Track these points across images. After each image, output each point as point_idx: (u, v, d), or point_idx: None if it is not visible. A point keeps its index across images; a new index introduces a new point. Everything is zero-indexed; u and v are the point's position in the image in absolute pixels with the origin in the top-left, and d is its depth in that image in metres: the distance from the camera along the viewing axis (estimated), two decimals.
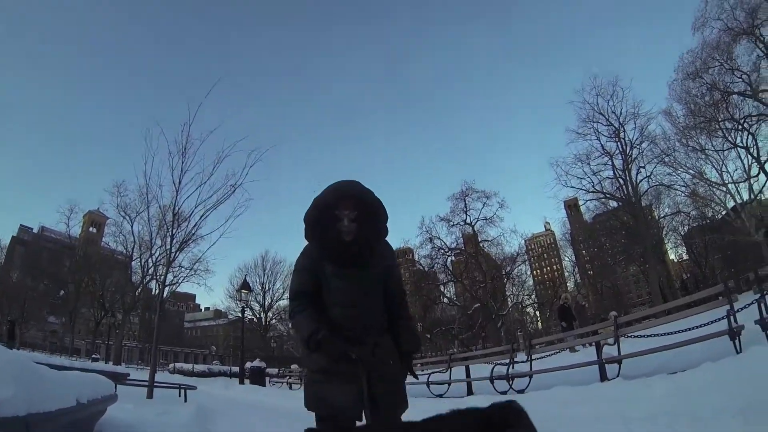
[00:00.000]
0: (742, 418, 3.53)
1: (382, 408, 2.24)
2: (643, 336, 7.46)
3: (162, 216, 13.83)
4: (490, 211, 44.28)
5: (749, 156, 30.24)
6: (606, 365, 7.50)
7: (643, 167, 36.19)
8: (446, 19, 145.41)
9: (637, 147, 36.12)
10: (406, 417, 2.34)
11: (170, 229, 12.34)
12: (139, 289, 40.11)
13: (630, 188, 36.41)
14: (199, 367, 41.21)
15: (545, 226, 74.26)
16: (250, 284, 40.08)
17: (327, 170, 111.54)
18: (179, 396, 11.78)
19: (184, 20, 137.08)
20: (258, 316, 57.24)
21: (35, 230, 67.87)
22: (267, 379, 24.25)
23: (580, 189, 38.82)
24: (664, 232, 43.62)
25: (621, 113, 36.40)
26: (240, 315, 31.32)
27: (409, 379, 2.60)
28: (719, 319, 6.17)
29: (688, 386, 4.66)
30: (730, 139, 30.59)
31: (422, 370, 12.04)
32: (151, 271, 33.15)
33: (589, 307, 42.78)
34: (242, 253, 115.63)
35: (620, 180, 36.93)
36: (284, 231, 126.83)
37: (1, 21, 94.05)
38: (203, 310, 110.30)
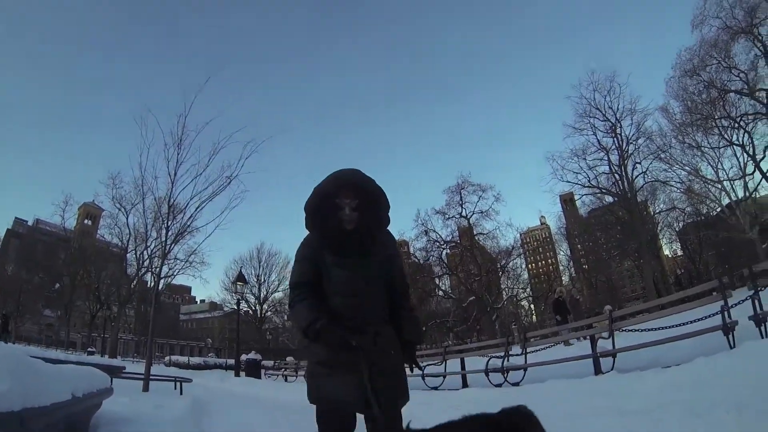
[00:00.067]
0: (736, 412, 3.54)
1: (382, 401, 2.20)
2: (638, 330, 7.49)
3: (157, 208, 13.82)
4: (485, 205, 44.46)
5: (745, 154, 30.43)
6: (600, 359, 7.53)
7: (639, 163, 36.46)
8: (445, 11, 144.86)
9: (634, 143, 36.32)
10: (406, 409, 2.34)
11: (165, 221, 12.27)
12: (135, 282, 40.05)
13: (626, 184, 36.54)
14: (195, 360, 41.38)
15: (541, 220, 74.27)
16: (246, 276, 40.06)
17: (323, 162, 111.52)
18: (175, 389, 11.80)
19: (181, 7, 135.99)
20: (253, 308, 57.22)
21: (30, 223, 67.38)
22: (263, 371, 24.30)
23: (576, 184, 39.04)
24: (659, 228, 43.68)
25: (618, 109, 36.57)
26: (235, 307, 31.31)
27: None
28: (713, 315, 6.19)
29: (681, 380, 4.68)
30: (726, 136, 30.72)
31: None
32: (146, 264, 33.20)
33: (584, 301, 43.09)
34: (238, 245, 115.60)
35: (616, 175, 37.08)
36: (280, 223, 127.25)
37: None
38: (199, 302, 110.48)
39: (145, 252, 32.82)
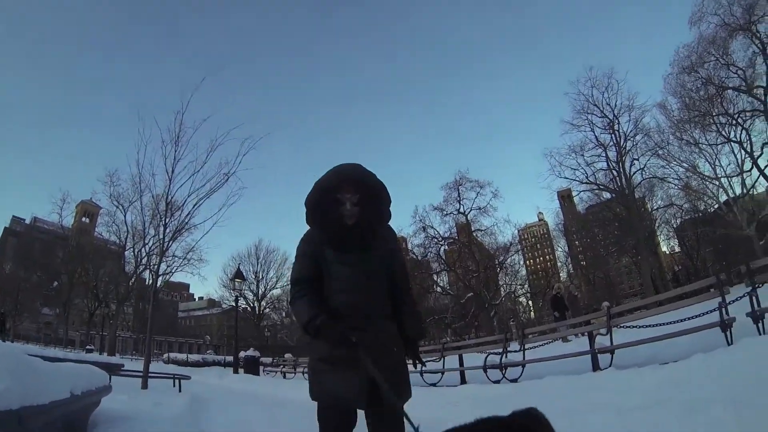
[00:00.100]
0: (733, 408, 3.55)
1: (384, 398, 2.18)
2: (635, 327, 7.49)
3: (155, 205, 13.81)
4: (483, 201, 44.50)
5: (742, 151, 30.46)
6: (598, 355, 7.55)
7: (637, 159, 36.60)
8: (443, 7, 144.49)
9: (631, 139, 36.47)
10: (408, 406, 2.33)
11: (163, 219, 12.31)
12: (133, 279, 40.01)
13: (623, 180, 36.64)
14: (194, 357, 41.38)
15: (538, 217, 74.64)
16: (244, 273, 40.08)
17: (321, 158, 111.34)
18: (173, 386, 11.81)
19: (179, 6, 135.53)
20: (252, 305, 57.37)
21: (27, 221, 67.23)
22: (261, 368, 24.28)
23: (574, 180, 39.15)
24: (657, 224, 43.79)
25: (616, 105, 36.70)
26: (234, 304, 31.29)
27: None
28: (711, 311, 6.20)
29: (679, 377, 4.69)
30: (723, 133, 30.76)
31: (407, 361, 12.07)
32: (144, 261, 33.08)
33: (582, 298, 43.07)
34: (236, 242, 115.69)
35: (614, 172, 37.20)
36: (278, 219, 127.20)
37: None
38: (197, 299, 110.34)
39: (143, 249, 32.67)
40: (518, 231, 55.99)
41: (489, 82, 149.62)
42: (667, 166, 34.34)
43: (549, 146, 49.58)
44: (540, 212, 73.78)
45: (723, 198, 32.48)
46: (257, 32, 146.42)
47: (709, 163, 31.75)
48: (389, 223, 2.58)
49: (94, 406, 4.21)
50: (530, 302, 64.18)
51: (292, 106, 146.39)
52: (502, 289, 50.57)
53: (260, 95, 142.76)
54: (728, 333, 5.85)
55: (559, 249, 67.43)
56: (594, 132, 37.61)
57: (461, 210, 45.06)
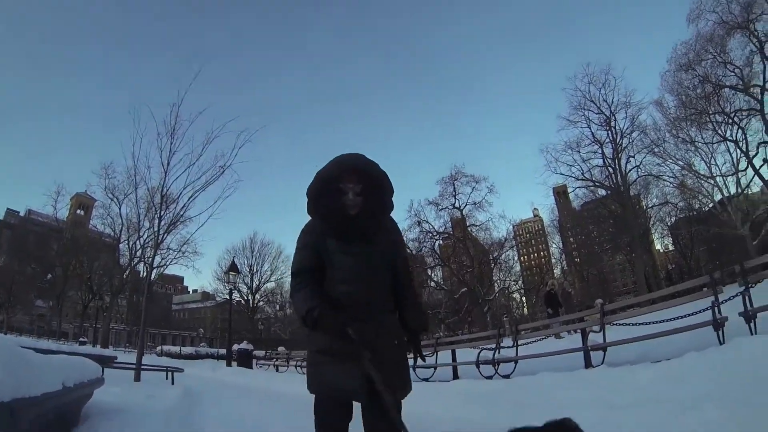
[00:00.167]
0: (725, 406, 3.57)
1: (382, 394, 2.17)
2: (628, 324, 7.51)
3: (150, 198, 13.79)
4: (479, 196, 44.66)
5: (738, 150, 30.66)
6: (591, 352, 7.55)
7: (633, 157, 36.82)
8: (442, 1, 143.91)
9: (628, 136, 36.70)
10: (406, 400, 2.32)
11: (158, 211, 12.29)
12: (127, 272, 40.00)
13: (619, 177, 36.80)
14: (187, 350, 41.34)
15: (533, 213, 74.67)
16: (238, 266, 40.04)
17: (316, 151, 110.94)
18: (166, 379, 11.83)
19: None
20: (246, 298, 57.39)
21: (22, 213, 66.83)
22: (254, 361, 24.32)
23: (570, 176, 39.40)
24: (651, 222, 43.93)
25: (612, 102, 36.94)
26: (228, 297, 31.27)
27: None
28: (704, 310, 6.23)
29: (671, 374, 4.71)
30: (720, 132, 30.96)
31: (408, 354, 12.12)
32: (139, 254, 33.11)
33: (575, 295, 43.38)
34: (231, 235, 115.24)
35: (609, 168, 37.39)
36: (273, 213, 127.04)
37: None
38: (191, 292, 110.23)
39: (137, 242, 32.76)
40: (513, 227, 56.09)
41: (486, 77, 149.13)
42: (663, 164, 34.65)
43: (545, 142, 49.57)
44: (535, 208, 73.90)
45: (718, 197, 32.74)
46: (253, 25, 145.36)
47: (704, 161, 32.08)
48: (391, 215, 2.55)
49: (86, 398, 4.20)
50: (524, 298, 64.44)
51: (288, 99, 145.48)
52: (495, 284, 50.74)
53: (256, 88, 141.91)
54: (720, 332, 5.87)
55: (554, 245, 67.80)
56: (590, 128, 37.91)
57: (456, 205, 45.35)
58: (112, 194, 37.18)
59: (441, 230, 46.89)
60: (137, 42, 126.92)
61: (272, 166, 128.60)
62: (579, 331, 8.57)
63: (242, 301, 56.74)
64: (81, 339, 40.97)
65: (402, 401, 2.33)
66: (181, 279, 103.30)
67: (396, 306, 2.49)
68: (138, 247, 32.68)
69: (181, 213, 12.56)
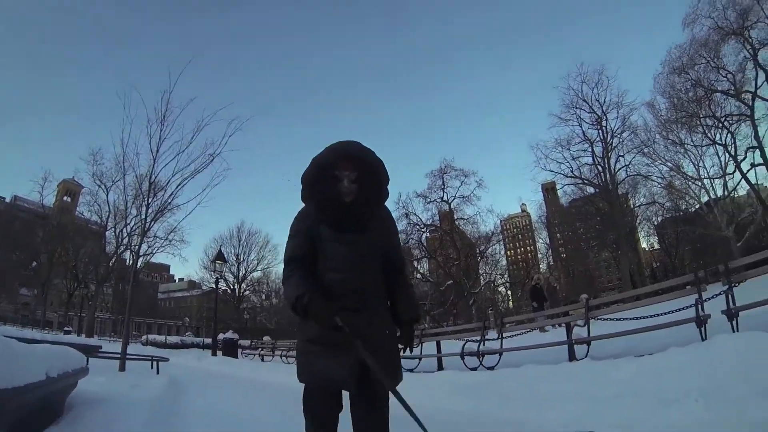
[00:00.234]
0: (705, 401, 3.64)
1: (375, 380, 2.16)
2: (613, 319, 7.59)
3: (138, 185, 13.68)
4: (467, 190, 44.83)
5: (727, 154, 31.04)
6: (575, 346, 7.63)
7: (622, 156, 37.20)
8: None
9: (618, 136, 37.01)
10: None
11: (146, 198, 12.16)
12: (113, 260, 39.64)
13: (608, 176, 37.12)
14: (172, 339, 41.13)
15: (521, 208, 74.98)
16: (225, 255, 39.84)
17: (304, 141, 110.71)
18: (151, 368, 11.76)
19: None
20: (232, 287, 57.26)
21: (8, 200, 65.77)
22: (239, 350, 24.25)
23: (559, 173, 39.68)
24: (638, 221, 44.39)
25: (604, 102, 37.20)
26: (214, 286, 31.15)
27: None
28: (687, 307, 6.31)
29: (654, 369, 4.77)
30: (709, 135, 31.31)
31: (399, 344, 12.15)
32: (125, 241, 32.81)
33: (561, 289, 43.67)
34: (218, 224, 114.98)
35: (599, 167, 37.71)
36: (261, 202, 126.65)
37: None
38: (177, 280, 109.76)
39: (124, 230, 32.47)
40: (500, 221, 56.36)
41: (478, 72, 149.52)
42: (652, 165, 35.02)
43: (536, 138, 49.84)
44: (523, 203, 74.22)
45: (704, 199, 33.17)
46: (244, 15, 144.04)
47: (693, 163, 32.46)
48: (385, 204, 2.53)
49: (70, 388, 4.17)
50: (509, 292, 64.93)
51: (278, 90, 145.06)
52: (481, 277, 51.09)
53: (247, 78, 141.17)
54: (703, 329, 5.96)
55: (541, 241, 68.10)
56: (581, 127, 38.12)
57: (445, 198, 45.47)
58: (100, 181, 36.89)
59: (428, 223, 47.05)
60: (128, 28, 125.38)
61: (261, 156, 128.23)
62: (564, 324, 8.66)
63: (228, 291, 56.59)
64: (66, 328, 40.50)
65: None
66: (167, 267, 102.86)
67: (388, 295, 2.47)
68: (125, 234, 32.42)
69: (169, 201, 12.46)
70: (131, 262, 23.77)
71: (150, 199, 12.10)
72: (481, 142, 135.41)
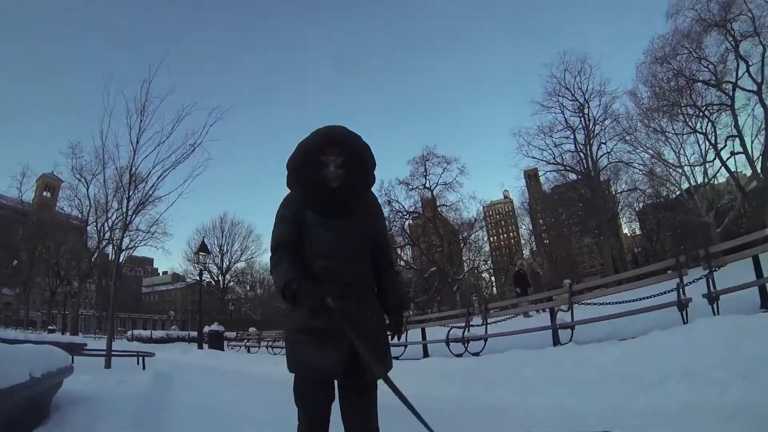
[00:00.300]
0: (686, 382, 3.72)
1: (362, 368, 2.15)
2: (596, 304, 7.67)
3: (119, 178, 13.42)
4: (449, 177, 45.10)
5: (707, 142, 31.58)
6: (559, 330, 7.70)
7: (604, 143, 37.82)
8: None
9: (600, 124, 37.57)
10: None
11: (127, 191, 11.96)
12: (96, 255, 39.10)
13: (590, 163, 37.56)
14: (158, 333, 41.01)
15: (504, 194, 75.34)
16: (208, 246, 39.55)
17: (285, 130, 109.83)
18: (137, 364, 11.67)
19: None
20: (216, 278, 57.19)
21: None
22: (225, 342, 24.15)
23: (541, 160, 40.07)
24: (620, 207, 45.00)
25: (587, 90, 37.73)
26: (198, 278, 30.87)
27: None
28: (669, 291, 6.42)
29: (637, 352, 4.85)
30: (690, 124, 31.80)
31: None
32: (107, 236, 32.42)
33: (544, 275, 44.19)
34: (201, 215, 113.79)
35: (581, 154, 38.16)
36: (244, 190, 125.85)
37: None
38: (161, 274, 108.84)
39: (105, 224, 32.07)
40: (483, 208, 56.66)
41: (459, 58, 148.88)
42: (633, 152, 35.56)
43: (518, 126, 50.07)
44: (506, 190, 74.54)
45: (685, 185, 33.85)
46: (223, 3, 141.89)
47: (674, 151, 32.97)
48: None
49: (56, 388, 4.12)
50: (493, 278, 65.30)
51: (258, 77, 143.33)
52: (465, 264, 51.51)
53: (227, 66, 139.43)
54: (684, 312, 6.07)
55: (523, 227, 68.68)
56: (564, 114, 38.56)
57: (427, 185, 45.74)
58: (80, 174, 36.23)
59: (411, 210, 47.25)
60: (107, 18, 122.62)
61: (242, 145, 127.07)
62: (548, 310, 8.74)
63: (213, 282, 56.46)
64: (50, 327, 40.08)
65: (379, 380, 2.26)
66: (150, 261, 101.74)
67: (375, 281, 2.44)
68: (106, 228, 32.06)
69: (150, 193, 12.28)
70: (114, 256, 23.50)
71: (131, 192, 11.90)
72: (463, 128, 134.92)
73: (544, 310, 10.00)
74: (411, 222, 49.05)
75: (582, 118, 37.73)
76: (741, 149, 30.14)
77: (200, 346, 22.81)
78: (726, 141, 30.93)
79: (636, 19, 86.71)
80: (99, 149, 12.09)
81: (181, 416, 5.14)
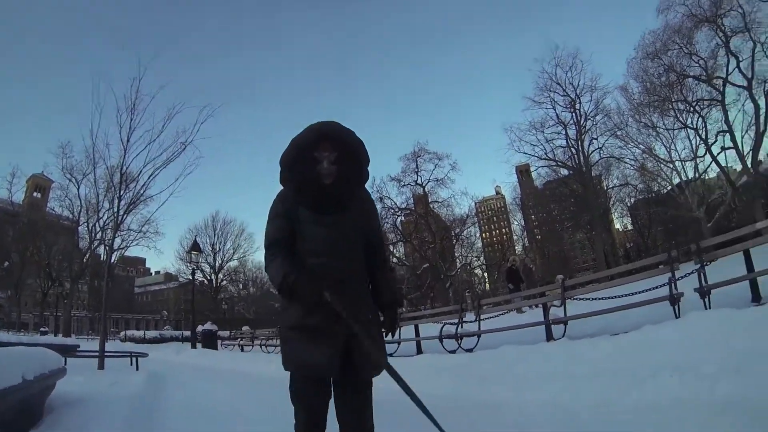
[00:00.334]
0: (679, 377, 3.74)
1: (358, 366, 2.16)
2: (588, 299, 7.70)
3: (109, 177, 13.33)
4: (441, 173, 45.02)
5: (698, 137, 31.63)
6: (552, 326, 7.74)
7: (596, 139, 37.80)
8: None
9: (592, 119, 37.60)
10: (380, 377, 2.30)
11: (118, 191, 11.88)
12: (87, 256, 38.90)
13: (581, 158, 37.62)
14: (151, 333, 40.73)
15: (496, 190, 75.65)
16: (201, 245, 39.39)
17: (276, 127, 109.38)
18: (131, 365, 11.62)
19: None
20: (209, 277, 56.97)
21: None
22: (219, 342, 24.08)
23: (533, 155, 40.06)
24: (611, 202, 44.88)
25: (578, 85, 37.74)
26: (191, 277, 30.73)
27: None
28: (661, 286, 6.46)
29: (629, 347, 4.88)
30: (681, 119, 31.85)
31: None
32: (98, 236, 32.26)
33: (537, 271, 44.25)
34: (193, 213, 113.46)
35: (572, 149, 38.19)
36: (235, 190, 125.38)
37: None
38: (153, 273, 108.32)
39: (97, 224, 31.95)
40: (475, 204, 56.81)
41: (451, 53, 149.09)
42: (625, 147, 35.48)
43: (510, 121, 50.16)
44: (497, 186, 74.93)
45: (676, 181, 33.77)
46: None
47: (665, 146, 32.95)
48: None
49: (49, 390, 4.11)
50: (485, 274, 65.56)
51: (248, 75, 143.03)
52: (457, 260, 51.59)
53: (217, 63, 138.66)
54: (676, 307, 6.11)
55: (516, 223, 68.79)
56: (555, 110, 38.57)
57: (419, 181, 45.57)
58: (71, 174, 36.14)
59: (403, 206, 47.12)
60: (95, 17, 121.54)
61: (234, 142, 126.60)
62: (540, 305, 8.78)
63: (205, 281, 56.25)
64: (42, 329, 39.79)
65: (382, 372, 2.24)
66: (143, 261, 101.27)
67: (368, 278, 2.43)
68: (98, 229, 31.93)
69: (142, 192, 12.21)
70: (105, 256, 23.39)
71: (122, 191, 11.83)
72: (454, 125, 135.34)
73: (537, 306, 10.03)
74: (403, 219, 48.94)
75: (573, 114, 37.84)
76: (731, 144, 30.26)
77: (194, 346, 22.74)
78: (716, 136, 31.11)
79: (627, 15, 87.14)
80: (89, 148, 12.00)
81: (174, 416, 5.12)
